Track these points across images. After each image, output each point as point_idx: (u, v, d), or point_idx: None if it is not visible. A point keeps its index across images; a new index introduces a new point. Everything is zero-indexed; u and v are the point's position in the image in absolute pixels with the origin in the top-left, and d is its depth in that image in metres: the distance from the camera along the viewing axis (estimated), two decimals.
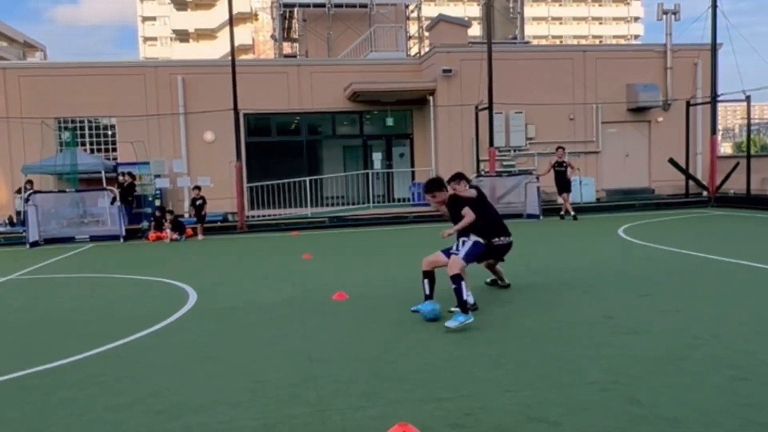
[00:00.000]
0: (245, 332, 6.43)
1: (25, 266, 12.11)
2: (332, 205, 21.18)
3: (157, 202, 19.32)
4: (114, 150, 21.18)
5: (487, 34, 19.68)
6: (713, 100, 20.09)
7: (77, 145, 20.03)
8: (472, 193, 7.07)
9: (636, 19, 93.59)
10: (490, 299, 7.43)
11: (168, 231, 16.18)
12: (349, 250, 13.30)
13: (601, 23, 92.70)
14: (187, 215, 19.55)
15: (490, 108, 18.79)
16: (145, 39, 74.78)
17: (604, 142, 22.13)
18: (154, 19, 74.05)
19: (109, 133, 21.30)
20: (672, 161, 20.69)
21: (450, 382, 4.66)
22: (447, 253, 6.75)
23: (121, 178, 18.69)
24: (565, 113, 21.56)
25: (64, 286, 9.89)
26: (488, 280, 8.14)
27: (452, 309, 6.58)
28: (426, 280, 6.74)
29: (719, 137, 26.92)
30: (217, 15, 61.15)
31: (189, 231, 16.66)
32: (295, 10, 27.41)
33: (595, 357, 5.10)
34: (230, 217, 19.38)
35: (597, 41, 77.62)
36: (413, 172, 22.30)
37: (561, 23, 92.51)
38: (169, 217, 16.48)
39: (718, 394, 4.24)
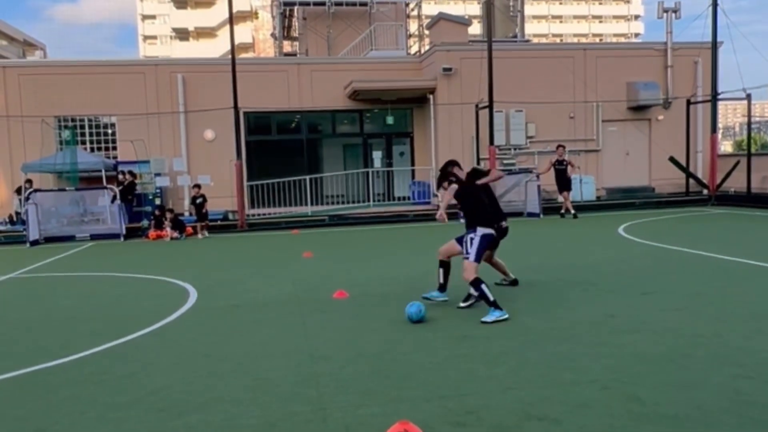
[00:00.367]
0: (246, 330, 6.44)
1: (25, 265, 12.11)
2: (332, 203, 21.17)
3: (157, 201, 19.32)
4: (114, 148, 21.17)
5: (487, 33, 19.66)
6: (713, 98, 20.08)
7: (77, 144, 20.02)
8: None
9: (636, 17, 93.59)
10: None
11: (168, 229, 16.18)
12: (349, 248, 13.31)
13: (601, 21, 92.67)
14: (187, 214, 19.55)
15: (490, 106, 18.78)
16: (145, 37, 74.74)
17: (605, 140, 22.12)
18: (154, 17, 74.01)
19: (109, 131, 21.28)
20: (672, 159, 20.68)
21: (451, 380, 4.66)
22: (461, 240, 6.83)
23: (121, 176, 18.69)
24: (565, 112, 21.55)
25: (64, 285, 9.89)
26: (498, 280, 8.11)
27: (461, 305, 6.90)
28: (441, 270, 6.99)
29: (719, 135, 26.91)
30: (217, 13, 61.14)
31: (189, 229, 16.66)
32: (296, 8, 27.38)
33: (596, 355, 5.11)
34: (230, 216, 19.37)
35: (597, 39, 77.53)
36: (413, 171, 22.29)
37: (561, 21, 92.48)
38: (169, 215, 16.48)
39: (719, 392, 4.24)
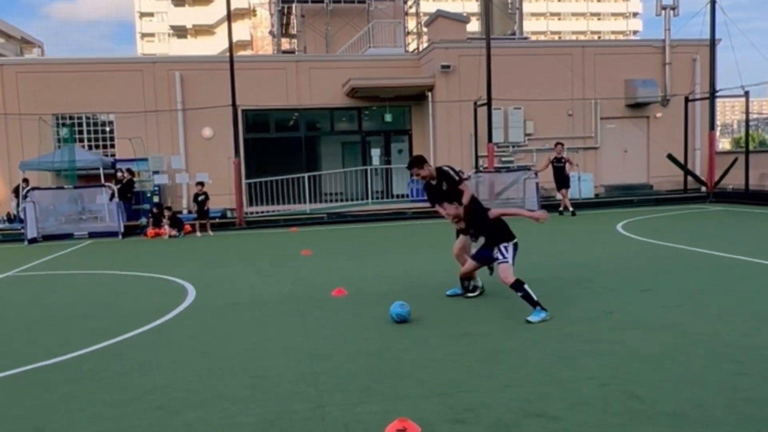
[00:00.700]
0: (244, 328, 6.43)
1: (23, 263, 12.09)
2: (331, 201, 21.16)
3: (156, 199, 19.30)
4: (112, 146, 21.16)
5: (485, 30, 19.65)
6: (712, 95, 20.09)
7: (75, 142, 19.99)
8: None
9: (635, 14, 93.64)
10: (489, 295, 7.42)
11: (166, 227, 16.17)
12: (348, 246, 13.30)
13: (599, 19, 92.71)
14: (185, 211, 19.54)
15: (488, 104, 18.78)
16: (143, 35, 74.67)
17: (603, 137, 22.12)
18: (151, 15, 73.94)
19: (107, 129, 21.26)
20: (670, 157, 20.69)
21: (450, 378, 4.66)
22: (480, 257, 6.90)
23: (119, 174, 18.67)
24: (563, 109, 21.55)
25: (62, 283, 9.88)
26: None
27: (469, 295, 7.23)
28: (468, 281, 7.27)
29: (718, 133, 26.93)
30: (215, 11, 61.08)
31: (187, 227, 16.64)
32: (294, 5, 27.36)
33: (594, 352, 5.11)
34: (229, 214, 19.36)
35: (596, 37, 77.57)
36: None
37: (560, 19, 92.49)
38: (167, 213, 16.47)
39: (718, 389, 4.24)
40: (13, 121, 20.11)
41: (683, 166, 20.97)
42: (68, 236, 16.47)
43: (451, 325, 6.12)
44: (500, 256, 6.59)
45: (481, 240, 6.93)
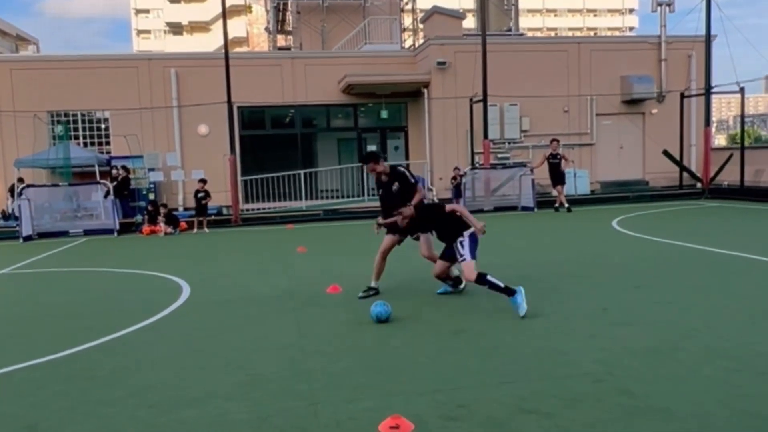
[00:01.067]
0: (239, 325, 6.42)
1: (18, 260, 12.06)
2: (327, 198, 21.14)
3: (151, 196, 19.26)
4: (107, 143, 21.10)
5: (481, 26, 19.63)
6: (707, 91, 20.11)
7: (70, 139, 19.93)
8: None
9: (631, 10, 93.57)
10: (483, 291, 7.42)
11: (162, 225, 16.14)
12: (343, 243, 13.29)
13: (595, 15, 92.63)
14: (181, 209, 19.51)
15: (484, 100, 18.77)
16: (139, 32, 74.37)
17: (599, 134, 22.13)
18: (147, 11, 73.62)
19: (103, 126, 21.19)
20: (666, 153, 20.72)
21: (443, 374, 4.66)
22: (447, 255, 6.88)
23: (114, 171, 18.61)
24: (559, 105, 21.56)
25: (57, 280, 9.86)
26: (441, 290, 7.59)
27: (460, 287, 7.30)
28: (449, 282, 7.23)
29: (713, 129, 26.98)
30: (211, 7, 60.82)
31: (183, 224, 16.63)
32: (289, 2, 27.31)
33: (588, 348, 5.11)
34: (225, 211, 19.34)
35: (592, 33, 77.58)
36: (408, 165, 22.22)
37: (556, 15, 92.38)
38: (163, 210, 16.44)
39: (711, 384, 4.25)
40: (8, 118, 20.03)
41: (679, 163, 21.00)
42: (63, 234, 16.42)
43: (445, 322, 6.13)
44: (458, 256, 6.60)
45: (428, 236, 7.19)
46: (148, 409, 4.25)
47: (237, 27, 52.10)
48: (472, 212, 7.40)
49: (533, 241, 12.04)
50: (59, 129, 20.02)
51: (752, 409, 3.85)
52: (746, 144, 20.84)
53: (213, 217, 17.99)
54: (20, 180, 18.11)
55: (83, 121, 21.14)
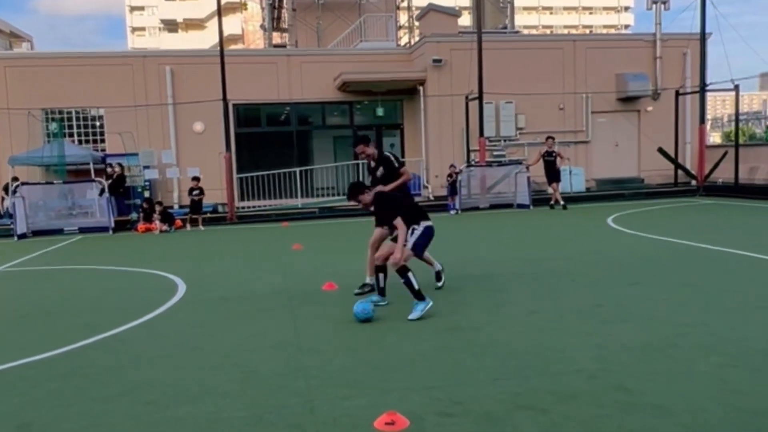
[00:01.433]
0: (234, 323, 6.41)
1: (13, 258, 12.02)
2: (322, 195, 21.12)
3: (146, 194, 19.21)
4: (102, 141, 21.02)
5: (477, 24, 19.63)
6: (702, 89, 20.15)
7: (65, 136, 19.85)
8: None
9: (626, 8, 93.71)
10: (479, 288, 7.44)
11: (157, 222, 16.11)
12: (339, 240, 13.29)
13: (591, 13, 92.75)
14: (176, 206, 19.47)
15: (480, 98, 18.77)
16: (134, 29, 74.14)
17: (594, 131, 22.17)
18: (142, 8, 73.41)
19: (97, 124, 21.12)
20: (661, 150, 20.77)
21: (439, 371, 4.67)
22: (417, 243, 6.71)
23: (109, 169, 18.55)
24: (555, 103, 21.58)
25: (52, 278, 9.83)
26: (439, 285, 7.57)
27: (440, 278, 7.26)
28: (381, 275, 6.75)
29: (708, 127, 27.03)
30: (206, 4, 60.56)
31: (178, 222, 16.60)
32: None
33: (584, 345, 5.12)
34: (220, 208, 19.30)
35: (587, 31, 77.64)
36: (404, 163, 22.23)
37: (551, 13, 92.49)
38: (158, 208, 16.41)
39: (706, 381, 4.27)
40: (2, 115, 19.94)
41: (674, 160, 21.05)
42: (58, 232, 16.37)
43: (440, 319, 6.13)
44: (404, 240, 6.50)
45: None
46: (144, 406, 4.25)
47: (232, 24, 52.00)
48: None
49: (528, 238, 12.05)
50: (54, 126, 19.93)
51: (746, 405, 3.86)
52: (741, 141, 20.89)
53: (209, 215, 17.96)
54: (15, 178, 18.03)
55: (78, 119, 21.06)
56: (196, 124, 20.93)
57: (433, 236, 6.82)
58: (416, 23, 26.07)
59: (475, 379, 4.48)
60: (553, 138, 17.74)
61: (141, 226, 16.24)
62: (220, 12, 18.47)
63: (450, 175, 18.41)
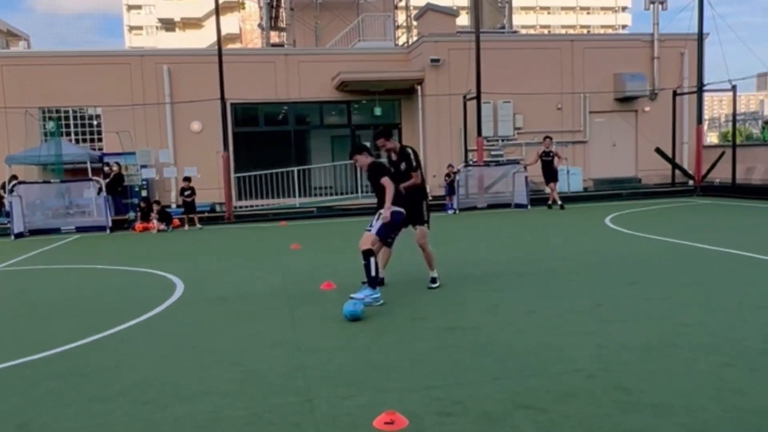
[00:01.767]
0: (233, 322, 6.41)
1: (10, 257, 11.99)
2: (320, 195, 21.12)
3: (144, 193, 19.19)
4: (99, 140, 20.99)
5: (475, 24, 19.63)
6: (699, 89, 20.19)
7: (62, 135, 19.81)
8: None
9: (624, 9, 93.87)
10: (478, 288, 7.45)
11: (155, 221, 16.09)
12: (337, 240, 13.28)
13: (589, 13, 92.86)
14: (174, 206, 19.44)
15: (478, 97, 18.79)
16: (131, 28, 73.98)
17: (592, 131, 22.20)
18: (139, 7, 73.23)
19: (95, 123, 21.08)
20: (658, 150, 20.80)
21: (438, 371, 4.67)
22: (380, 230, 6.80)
23: (106, 168, 18.52)
24: (552, 103, 21.60)
25: (50, 278, 9.81)
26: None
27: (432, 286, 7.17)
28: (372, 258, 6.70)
29: (705, 127, 27.09)
30: (204, 4, 60.46)
31: (176, 221, 16.58)
32: None
33: (583, 345, 5.13)
34: (218, 208, 19.29)
35: (585, 31, 77.71)
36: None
37: (549, 13, 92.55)
38: (155, 207, 16.39)
39: (704, 380, 4.28)
40: None
41: (671, 160, 21.09)
42: (55, 231, 16.33)
43: (440, 319, 6.13)
44: (371, 224, 6.67)
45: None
46: (143, 405, 4.24)
47: (230, 23, 51.90)
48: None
49: (527, 238, 12.06)
50: (51, 125, 19.90)
51: (745, 404, 3.87)
52: (738, 142, 20.94)
53: (206, 214, 17.94)
54: (13, 177, 17.99)
55: (75, 118, 21.03)
56: (194, 123, 20.91)
57: (401, 220, 6.86)
58: (414, 23, 26.07)
59: (475, 379, 4.48)
60: (550, 138, 17.77)
61: (138, 225, 16.22)
62: (217, 11, 18.45)
63: (448, 175, 18.42)
